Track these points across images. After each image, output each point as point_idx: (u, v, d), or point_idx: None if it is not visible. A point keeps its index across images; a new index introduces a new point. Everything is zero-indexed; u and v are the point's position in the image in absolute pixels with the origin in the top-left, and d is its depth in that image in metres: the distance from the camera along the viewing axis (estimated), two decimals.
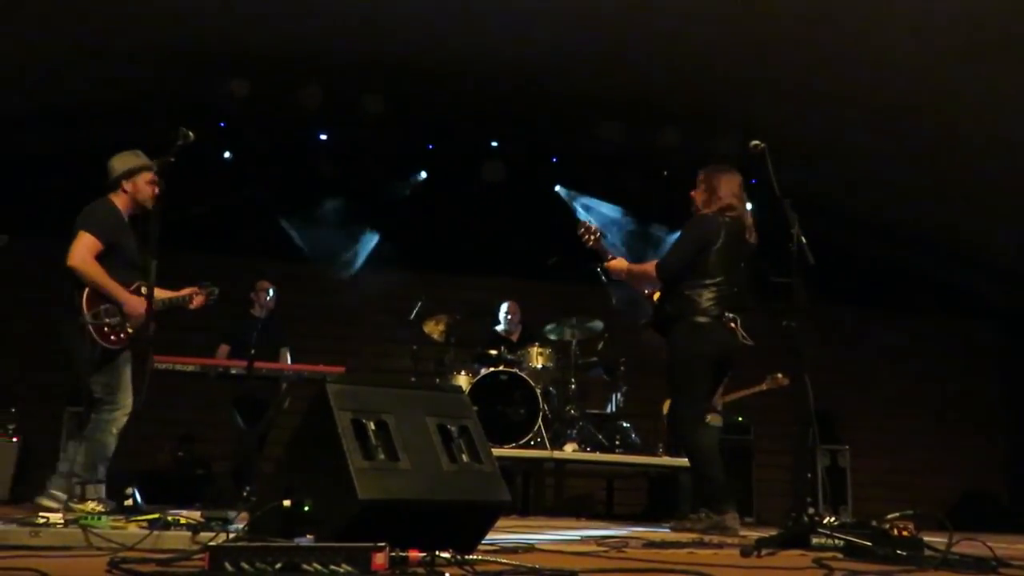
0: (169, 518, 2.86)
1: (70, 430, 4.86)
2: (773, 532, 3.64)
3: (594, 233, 5.09)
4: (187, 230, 7.27)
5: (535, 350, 7.54)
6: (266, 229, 9.35)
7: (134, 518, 2.90)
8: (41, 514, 2.80)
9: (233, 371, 5.61)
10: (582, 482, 9.18)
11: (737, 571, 2.52)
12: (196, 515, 3.12)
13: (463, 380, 7.28)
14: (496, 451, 2.73)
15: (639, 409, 8.34)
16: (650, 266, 4.92)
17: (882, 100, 7.95)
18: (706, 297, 4.70)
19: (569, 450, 7.17)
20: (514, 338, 8.00)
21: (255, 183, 9.18)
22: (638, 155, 9.36)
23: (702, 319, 4.69)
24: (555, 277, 8.96)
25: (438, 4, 7.53)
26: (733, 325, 4.72)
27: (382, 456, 2.39)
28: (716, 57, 7.80)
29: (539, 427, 7.08)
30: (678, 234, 5.08)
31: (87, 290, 4.49)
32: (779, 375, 7.59)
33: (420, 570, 2.00)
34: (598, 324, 7.84)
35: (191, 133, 4.30)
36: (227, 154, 9.35)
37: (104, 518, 2.82)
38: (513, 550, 2.77)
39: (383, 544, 1.92)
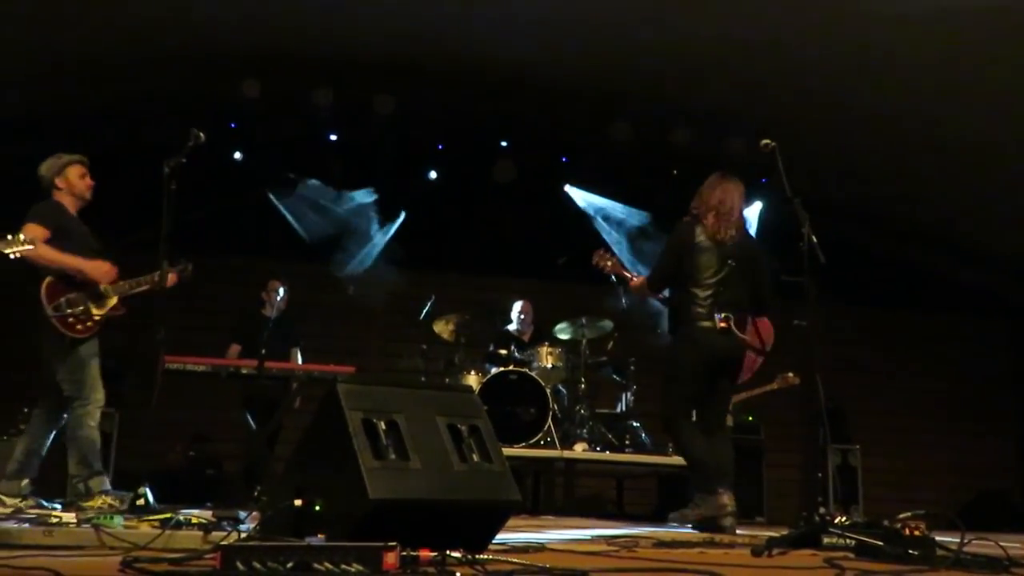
0: (181, 517, 2.88)
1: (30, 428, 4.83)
2: (784, 531, 3.63)
3: (609, 259, 5.37)
4: (198, 230, 7.28)
5: (545, 350, 7.53)
6: (277, 229, 9.36)
7: (146, 517, 2.91)
8: (55, 514, 2.82)
9: (244, 371, 5.61)
10: (592, 482, 9.18)
11: (748, 571, 2.51)
12: (208, 515, 3.13)
13: (473, 380, 7.27)
14: (506, 451, 2.73)
15: (649, 409, 8.30)
16: (641, 279, 5.15)
17: (894, 97, 7.92)
18: (697, 302, 4.78)
19: (579, 450, 7.16)
20: (526, 338, 7.99)
21: (266, 183, 9.23)
22: (649, 154, 9.34)
23: (693, 326, 4.78)
24: (565, 277, 8.96)
25: (446, 5, 7.53)
26: (725, 324, 4.75)
27: (393, 456, 2.39)
28: (729, 56, 7.79)
29: (549, 427, 7.07)
30: None
31: (45, 283, 4.51)
32: (789, 374, 7.57)
33: (431, 570, 2.00)
34: (608, 324, 7.83)
35: (201, 134, 4.33)
36: (237, 155, 9.37)
37: (117, 517, 2.84)
38: (524, 550, 2.77)
39: (394, 544, 1.92)
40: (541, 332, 8.04)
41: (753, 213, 9.95)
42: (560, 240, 8.89)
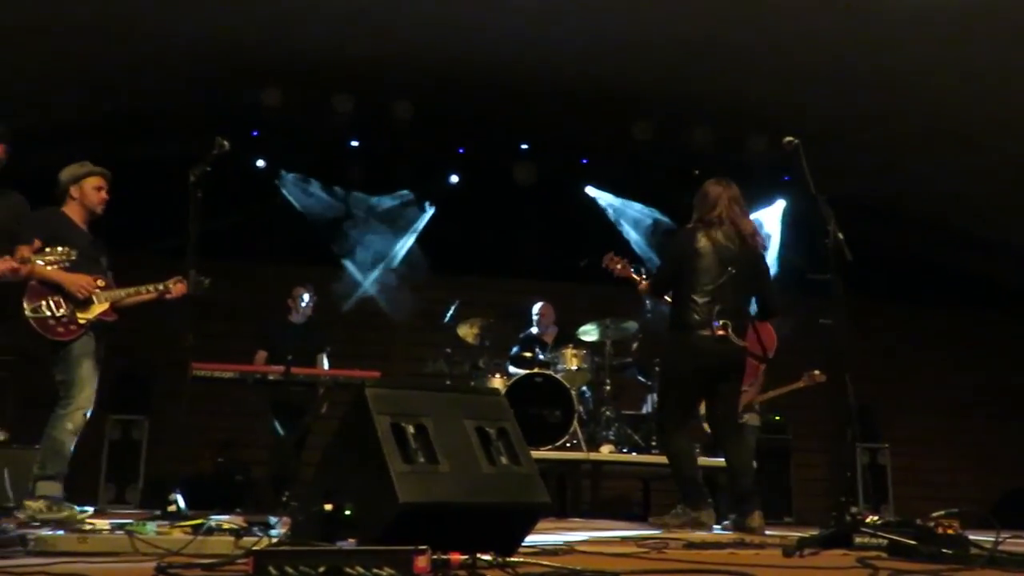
0: (212, 523, 2.89)
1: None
2: (813, 532, 3.60)
3: (619, 262, 5.45)
4: (224, 237, 7.34)
5: (569, 352, 7.51)
6: (301, 236, 9.42)
7: (178, 524, 2.93)
8: (88, 520, 2.84)
9: (271, 377, 5.65)
10: (618, 483, 9.14)
11: (780, 571, 2.49)
12: (238, 520, 3.14)
13: (498, 383, 7.27)
14: (532, 453, 2.72)
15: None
16: (646, 283, 5.23)
17: (919, 93, 7.86)
18: (696, 308, 4.80)
19: (605, 451, 7.14)
20: (548, 340, 7.98)
21: (288, 190, 9.31)
22: (669, 155, 9.32)
23: (690, 333, 4.81)
24: (588, 278, 8.94)
25: (465, 10, 7.55)
26: (723, 332, 4.77)
27: (422, 459, 2.39)
28: (750, 54, 7.76)
29: (575, 429, 7.05)
30: None
31: (29, 285, 4.49)
32: (816, 372, 7.50)
33: (462, 573, 2.01)
34: (632, 325, 7.80)
35: (226, 142, 4.36)
36: (260, 162, 9.43)
37: (150, 524, 2.86)
38: (553, 552, 2.76)
39: (424, 547, 1.92)
40: (565, 334, 8.02)
41: (776, 212, 9.92)
42: (583, 242, 8.87)
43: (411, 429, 2.43)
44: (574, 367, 7.44)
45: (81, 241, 4.64)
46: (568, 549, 2.93)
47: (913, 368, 10.66)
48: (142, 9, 7.20)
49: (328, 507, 2.36)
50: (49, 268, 4.45)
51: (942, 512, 2.93)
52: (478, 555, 2.08)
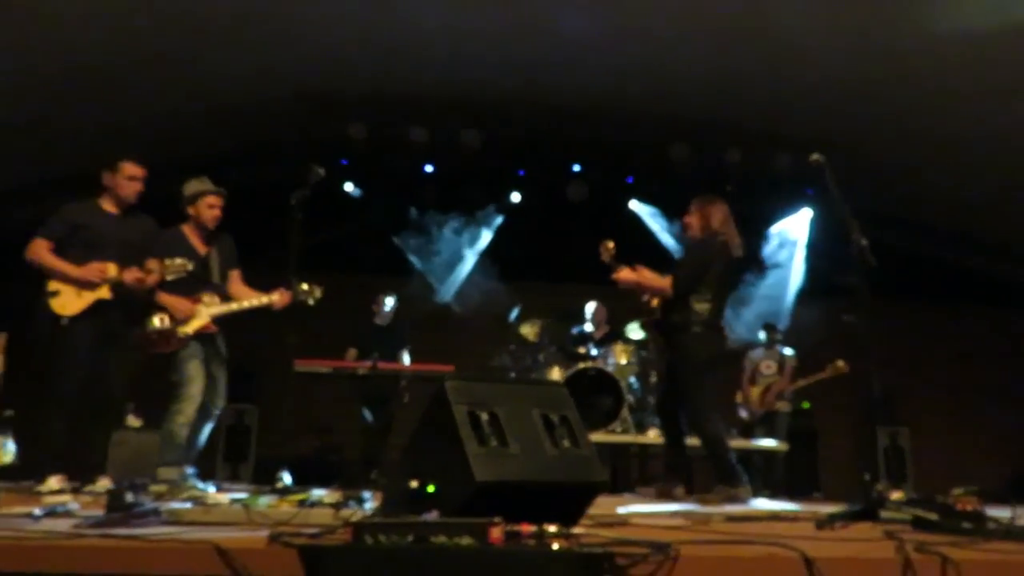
0: (314, 497, 2.94)
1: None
2: (841, 507, 3.51)
3: (609, 251, 5.64)
4: (319, 251, 7.46)
5: (619, 347, 7.46)
6: (386, 250, 9.56)
7: (286, 498, 2.99)
8: (209, 495, 2.90)
9: (360, 372, 5.73)
10: (663, 464, 9.02)
11: (815, 542, 2.43)
12: (336, 495, 3.19)
13: (556, 375, 7.26)
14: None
15: (716, 397, 8.18)
16: (666, 282, 5.09)
17: (947, 110, 7.64)
18: (706, 309, 4.88)
19: (652, 435, 7.08)
20: (598, 336, 7.94)
21: (375, 211, 9.44)
22: (704, 171, 9.25)
23: (704, 329, 4.87)
24: None
25: (526, 49, 7.57)
26: (724, 330, 5.00)
27: (495, 443, 2.40)
28: (776, 84, 7.65)
29: (624, 415, 7.01)
30: (684, 254, 5.49)
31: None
32: (839, 363, 7.37)
33: (531, 542, 2.00)
34: None
35: (321, 170, 4.42)
36: (349, 186, 9.59)
37: (262, 498, 2.91)
38: (610, 524, 2.74)
39: (498, 519, 1.92)
40: (615, 331, 7.98)
41: (803, 220, 9.74)
42: (627, 251, 8.80)
43: (485, 416, 2.43)
44: (623, 361, 7.40)
45: (193, 257, 4.62)
46: (623, 521, 2.90)
47: (929, 359, 10.35)
48: (258, 62, 7.40)
49: (414, 484, 2.38)
50: (161, 291, 4.47)
51: (961, 489, 2.85)
52: (545, 526, 2.07)
